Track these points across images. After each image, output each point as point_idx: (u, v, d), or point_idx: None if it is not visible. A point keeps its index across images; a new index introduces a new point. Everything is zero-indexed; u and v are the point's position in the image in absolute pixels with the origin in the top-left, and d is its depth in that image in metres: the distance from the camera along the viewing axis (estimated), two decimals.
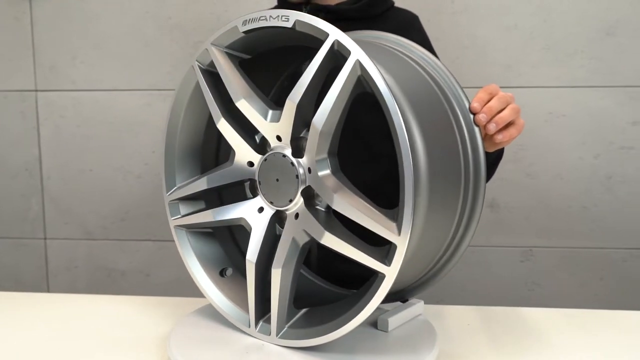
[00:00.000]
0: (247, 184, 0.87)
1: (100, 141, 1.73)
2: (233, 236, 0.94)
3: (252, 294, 0.76)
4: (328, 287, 0.94)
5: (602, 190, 1.63)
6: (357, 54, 0.63)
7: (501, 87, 0.84)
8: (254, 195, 0.81)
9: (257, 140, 0.81)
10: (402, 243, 0.62)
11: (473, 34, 1.60)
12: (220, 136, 0.89)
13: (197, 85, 0.81)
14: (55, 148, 1.75)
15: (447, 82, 0.82)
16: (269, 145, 0.75)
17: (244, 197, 0.95)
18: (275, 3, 1.16)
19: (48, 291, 1.81)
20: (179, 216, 0.87)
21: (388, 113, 0.61)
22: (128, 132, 1.72)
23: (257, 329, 0.76)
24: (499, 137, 0.83)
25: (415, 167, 0.61)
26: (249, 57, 0.82)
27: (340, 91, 0.64)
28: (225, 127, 0.78)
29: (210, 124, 0.88)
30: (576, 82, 1.60)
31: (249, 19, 0.71)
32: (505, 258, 1.66)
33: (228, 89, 0.75)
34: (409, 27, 1.12)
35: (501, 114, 0.82)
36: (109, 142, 1.73)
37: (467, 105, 0.79)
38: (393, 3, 1.13)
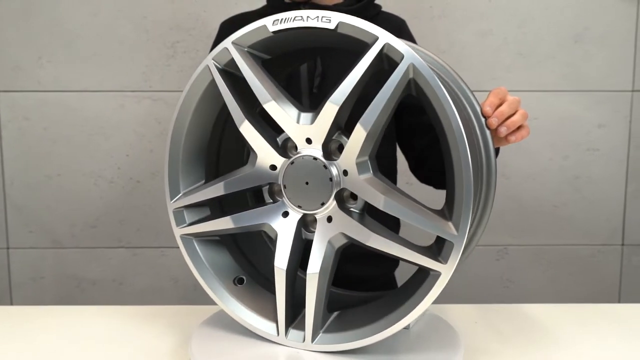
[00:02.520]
0: (265, 188, 0.85)
1: (69, 145, 1.65)
2: (237, 244, 0.91)
3: (282, 302, 0.73)
4: (336, 291, 0.93)
5: (570, 190, 1.71)
6: (411, 57, 0.63)
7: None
8: (275, 199, 0.78)
9: (279, 143, 0.79)
10: (459, 240, 0.63)
11: (450, 39, 1.64)
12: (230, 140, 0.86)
13: (209, 86, 0.77)
14: (19, 152, 1.65)
15: (459, 86, 0.84)
16: (295, 148, 0.73)
17: (245, 203, 0.93)
18: (255, 5, 1.14)
19: (11, 304, 1.70)
20: (185, 224, 0.81)
21: (445, 116, 0.62)
22: (99, 135, 1.65)
23: (288, 336, 0.74)
24: (512, 138, 0.87)
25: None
26: (268, 57, 0.80)
27: (391, 94, 0.65)
28: (248, 130, 0.74)
29: (216, 127, 0.86)
30: (547, 86, 1.67)
31: (281, 19, 0.69)
32: (481, 257, 1.71)
33: (255, 91, 0.72)
34: (400, 31, 1.14)
35: (512, 119, 0.85)
36: (78, 145, 1.65)
37: (478, 109, 0.82)
38: (381, 7, 1.14)
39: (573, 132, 1.69)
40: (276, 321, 0.75)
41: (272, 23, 0.71)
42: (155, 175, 1.66)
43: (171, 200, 0.81)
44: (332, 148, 0.74)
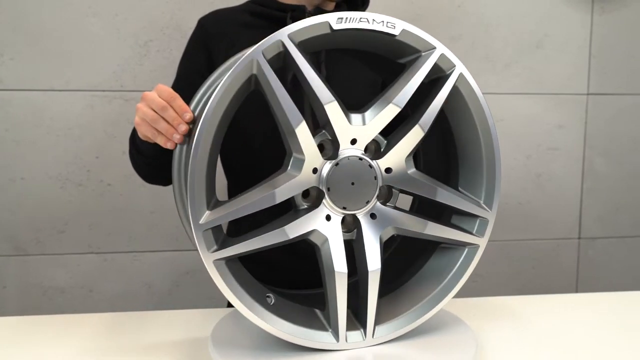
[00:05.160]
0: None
1: (34, 146, 1.57)
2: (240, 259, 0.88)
3: (343, 307, 0.71)
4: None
5: (533, 188, 1.81)
6: (460, 67, 0.71)
7: None
8: (315, 203, 0.73)
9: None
10: (492, 217, 0.78)
11: None
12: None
13: (245, 82, 0.68)
14: None
15: None
16: (334, 149, 0.73)
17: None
18: (231, 3, 1.12)
19: None
20: (216, 247, 0.68)
21: (483, 118, 0.70)
22: (67, 137, 1.58)
23: (348, 340, 0.72)
24: None
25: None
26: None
27: (442, 99, 0.71)
28: (304, 132, 0.68)
29: (232, 127, 0.83)
30: (511, 89, 1.76)
31: (346, 18, 0.68)
32: None
33: (315, 90, 0.68)
34: None
35: None
36: (44, 147, 1.58)
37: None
38: None
39: (535, 133, 1.79)
40: (329, 329, 0.73)
41: (337, 21, 0.69)
42: (128, 177, 1.61)
43: (200, 218, 0.66)
44: (372, 148, 0.76)
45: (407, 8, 1.67)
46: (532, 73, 1.75)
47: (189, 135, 0.80)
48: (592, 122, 1.81)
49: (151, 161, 0.99)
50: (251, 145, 1.02)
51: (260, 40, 0.69)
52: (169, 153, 0.82)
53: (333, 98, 0.68)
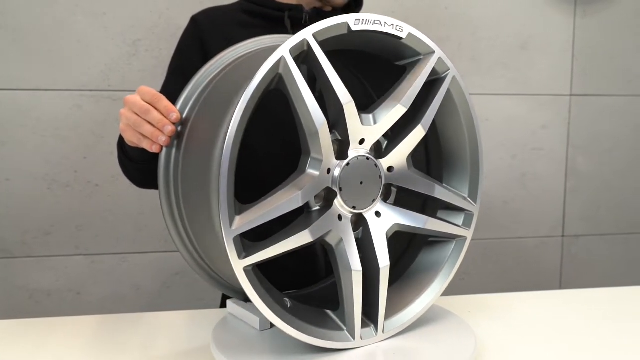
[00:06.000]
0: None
1: (20, 147, 1.54)
2: None
3: (359, 305, 0.71)
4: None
5: (518, 187, 1.84)
6: (453, 70, 0.76)
7: None
8: (327, 204, 0.73)
9: None
10: (476, 210, 0.83)
11: None
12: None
13: (270, 81, 0.66)
14: None
15: None
16: (346, 149, 0.73)
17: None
18: (222, 2, 1.12)
19: None
20: (245, 254, 0.65)
21: (469, 118, 0.80)
22: (54, 137, 1.56)
23: (362, 337, 0.73)
24: None
25: None
26: None
27: (440, 100, 0.75)
28: (325, 133, 0.68)
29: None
30: (497, 90, 1.79)
31: (363, 19, 0.69)
32: None
33: (336, 89, 0.68)
34: None
35: None
36: (30, 148, 1.55)
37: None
38: None
39: (520, 133, 1.82)
40: (344, 328, 0.73)
41: (354, 22, 0.69)
42: (116, 178, 1.59)
43: (231, 224, 0.63)
44: (374, 147, 0.77)
45: (395, 9, 1.69)
46: (516, 74, 1.79)
47: (178, 137, 0.77)
48: (574, 122, 1.85)
49: (141, 167, 0.96)
50: (255, 156, 1.00)
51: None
52: None
53: (351, 98, 0.69)
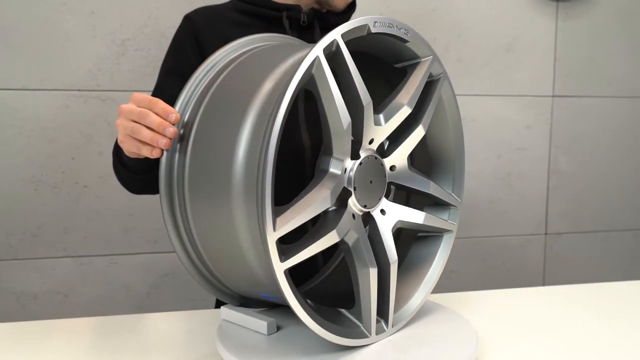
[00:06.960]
0: None
1: (5, 147, 1.52)
2: None
3: (375, 301, 0.73)
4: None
5: (503, 186, 1.88)
6: (445, 74, 0.81)
7: None
8: (342, 204, 0.72)
9: None
10: (460, 205, 0.87)
11: None
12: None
13: (300, 81, 0.64)
14: None
15: None
16: (358, 148, 0.74)
17: None
18: (213, 2, 1.11)
19: None
20: (284, 257, 0.63)
21: (454, 115, 0.84)
22: (41, 138, 1.53)
23: (376, 334, 0.74)
24: None
25: None
26: None
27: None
28: (349, 133, 0.68)
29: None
30: (483, 91, 1.82)
31: (380, 22, 0.70)
32: None
33: (359, 89, 0.69)
34: None
35: None
36: (16, 148, 1.52)
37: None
38: None
39: (505, 133, 1.86)
40: (360, 324, 0.74)
41: (373, 24, 0.70)
42: (104, 179, 1.58)
43: (274, 227, 0.61)
44: (379, 147, 0.78)
45: (383, 11, 1.71)
46: (502, 76, 1.82)
47: (181, 140, 0.75)
48: (556, 122, 1.90)
49: (142, 176, 0.94)
50: None
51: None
52: None
53: (371, 99, 0.70)
